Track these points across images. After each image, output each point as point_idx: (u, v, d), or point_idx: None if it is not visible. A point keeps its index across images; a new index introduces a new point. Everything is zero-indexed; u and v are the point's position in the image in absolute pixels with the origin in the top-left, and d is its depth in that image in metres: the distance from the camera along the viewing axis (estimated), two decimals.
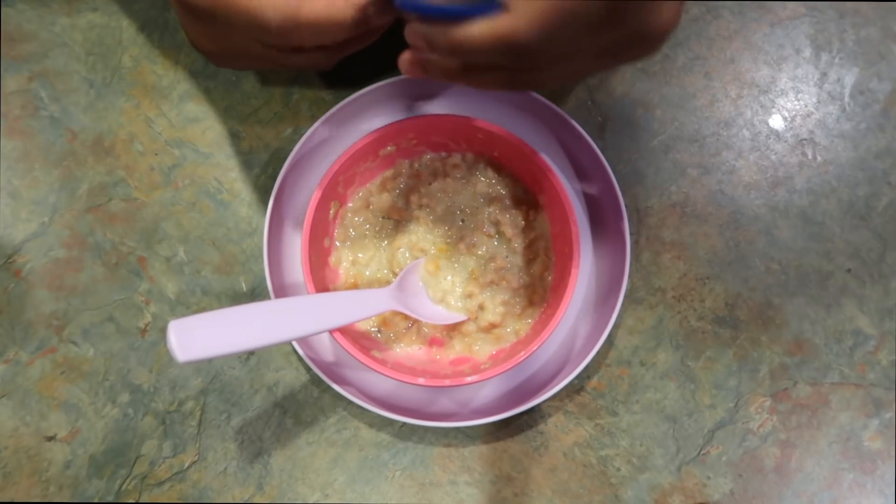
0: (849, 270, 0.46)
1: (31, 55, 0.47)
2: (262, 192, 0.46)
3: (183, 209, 0.46)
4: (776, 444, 0.44)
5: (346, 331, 0.40)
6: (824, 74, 0.47)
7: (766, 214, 0.46)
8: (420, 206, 0.44)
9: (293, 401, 0.44)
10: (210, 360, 0.44)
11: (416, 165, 0.45)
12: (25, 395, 0.44)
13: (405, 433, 0.44)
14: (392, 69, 0.47)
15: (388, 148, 0.43)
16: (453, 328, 0.44)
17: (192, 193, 0.46)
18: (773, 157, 0.47)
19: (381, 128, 0.41)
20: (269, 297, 0.43)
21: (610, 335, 0.44)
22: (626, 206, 0.43)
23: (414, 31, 0.32)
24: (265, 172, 0.46)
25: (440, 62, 0.32)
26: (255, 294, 0.45)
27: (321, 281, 0.42)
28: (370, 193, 0.45)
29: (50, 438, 0.44)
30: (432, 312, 0.43)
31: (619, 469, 0.44)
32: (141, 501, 0.43)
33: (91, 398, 0.44)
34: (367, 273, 0.44)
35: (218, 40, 0.36)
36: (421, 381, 0.40)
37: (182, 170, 0.46)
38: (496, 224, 0.44)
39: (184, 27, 0.38)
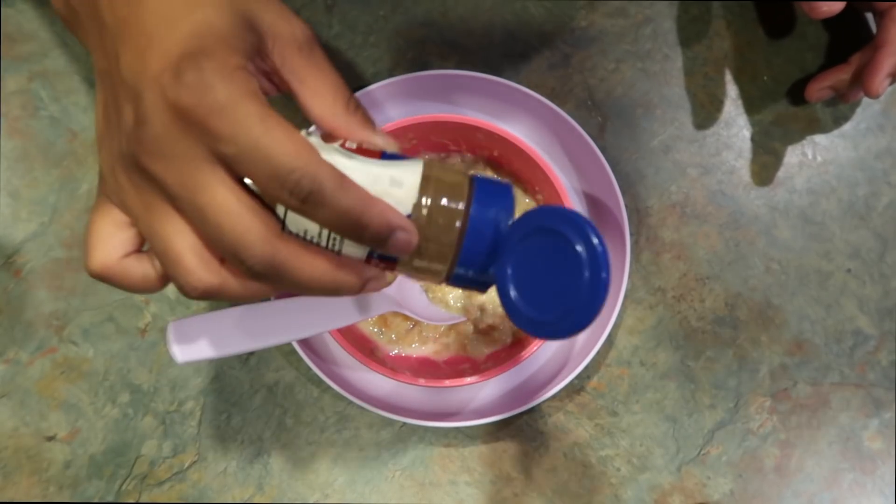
0: (849, 270, 0.46)
1: (31, 55, 0.47)
2: None
3: None
4: (776, 444, 0.44)
5: (347, 331, 0.41)
6: None
7: (766, 214, 0.46)
8: None
9: (293, 401, 0.44)
10: (210, 361, 0.44)
11: None
12: (25, 395, 0.44)
13: (405, 433, 0.44)
14: (390, 69, 0.47)
15: None
16: (453, 329, 0.44)
17: None
18: (773, 156, 0.47)
19: (381, 128, 0.41)
20: (268, 297, 0.43)
21: (610, 335, 0.44)
22: (626, 206, 0.43)
23: None
24: None
25: None
26: None
27: None
28: None
29: (50, 438, 0.44)
30: (432, 313, 0.43)
31: (619, 469, 0.44)
32: (141, 501, 0.43)
33: (91, 398, 0.44)
34: None
35: None
36: (421, 381, 0.40)
37: None
38: None
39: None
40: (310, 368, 0.42)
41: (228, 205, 0.24)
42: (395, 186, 0.26)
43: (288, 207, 0.25)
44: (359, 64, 0.47)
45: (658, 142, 0.47)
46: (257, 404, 0.44)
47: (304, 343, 0.43)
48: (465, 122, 0.41)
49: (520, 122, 0.45)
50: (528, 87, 0.44)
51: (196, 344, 0.32)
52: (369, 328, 0.44)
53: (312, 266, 0.26)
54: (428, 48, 0.47)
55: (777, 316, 0.45)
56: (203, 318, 0.33)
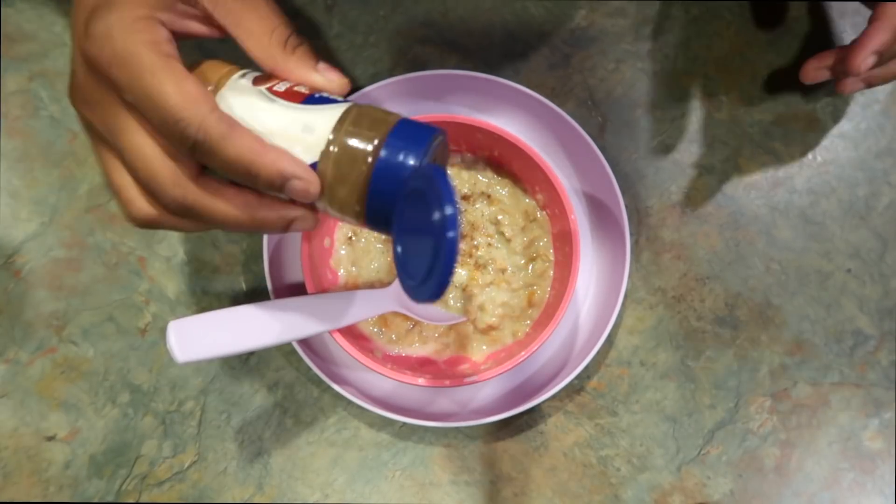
0: (849, 270, 0.46)
1: (31, 55, 0.47)
2: None
3: None
4: (776, 444, 0.44)
5: (346, 331, 0.40)
6: None
7: (766, 214, 0.46)
8: None
9: (293, 401, 0.44)
10: (210, 361, 0.44)
11: None
12: (25, 395, 0.44)
13: (405, 433, 0.44)
14: (390, 69, 0.47)
15: None
16: (453, 328, 0.44)
17: None
18: (773, 156, 0.47)
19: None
20: (269, 297, 0.43)
21: (610, 335, 0.44)
22: (626, 206, 0.43)
23: None
24: None
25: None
26: (255, 294, 0.45)
27: (321, 281, 0.42)
28: None
29: (50, 438, 0.44)
30: (432, 313, 0.43)
31: (619, 469, 0.44)
32: (141, 501, 0.43)
33: (91, 398, 0.44)
34: (367, 274, 0.44)
35: None
36: (421, 381, 0.40)
37: None
38: (496, 224, 0.44)
39: None
40: (310, 368, 0.42)
41: (141, 150, 0.26)
42: (306, 132, 0.27)
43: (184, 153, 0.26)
44: (359, 64, 0.47)
45: (658, 142, 0.47)
46: (257, 404, 0.44)
47: (304, 343, 0.43)
48: (465, 122, 0.41)
49: (520, 122, 0.45)
50: (528, 87, 0.44)
51: (196, 344, 0.32)
52: (369, 328, 0.44)
53: (227, 206, 0.27)
54: (428, 48, 0.47)
55: (777, 316, 0.45)
56: (203, 318, 0.33)
